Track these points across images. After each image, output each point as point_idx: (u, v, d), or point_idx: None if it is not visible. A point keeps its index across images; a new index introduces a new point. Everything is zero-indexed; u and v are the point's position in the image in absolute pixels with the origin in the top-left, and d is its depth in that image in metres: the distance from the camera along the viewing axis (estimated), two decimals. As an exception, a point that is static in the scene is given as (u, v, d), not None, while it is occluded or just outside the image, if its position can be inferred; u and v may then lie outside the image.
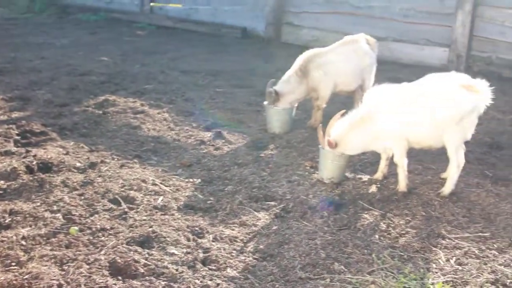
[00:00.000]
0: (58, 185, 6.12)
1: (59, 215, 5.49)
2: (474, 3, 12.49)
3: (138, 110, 8.90)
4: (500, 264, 5.07)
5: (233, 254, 5.07)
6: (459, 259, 5.14)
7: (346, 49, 8.43)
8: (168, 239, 5.19)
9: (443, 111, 6.07)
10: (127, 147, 7.47)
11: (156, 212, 5.76)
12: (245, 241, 5.33)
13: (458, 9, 12.64)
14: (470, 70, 12.20)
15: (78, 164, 6.72)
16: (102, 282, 4.51)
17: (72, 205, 5.69)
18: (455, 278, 4.85)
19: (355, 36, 8.63)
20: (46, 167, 6.55)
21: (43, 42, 14.76)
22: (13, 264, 4.67)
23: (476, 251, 5.27)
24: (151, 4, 18.54)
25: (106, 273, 4.65)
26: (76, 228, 5.28)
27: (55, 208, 5.62)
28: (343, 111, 6.58)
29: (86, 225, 5.36)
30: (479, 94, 6.11)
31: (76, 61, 12.35)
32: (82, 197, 5.90)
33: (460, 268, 4.99)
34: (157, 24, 18.10)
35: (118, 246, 5.02)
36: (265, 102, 8.31)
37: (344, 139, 6.41)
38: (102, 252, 4.92)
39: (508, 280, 4.81)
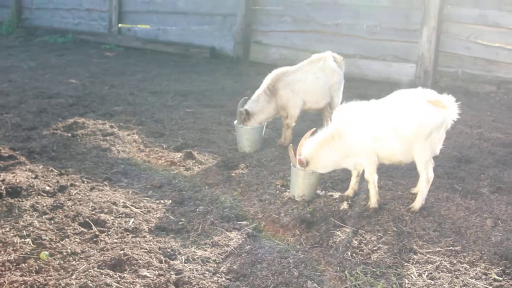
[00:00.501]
0: (27, 209, 6.05)
1: (28, 240, 5.42)
2: (439, 19, 12.70)
3: (107, 132, 8.86)
4: (471, 278, 5.11)
5: (205, 275, 5.04)
6: (431, 273, 5.18)
7: (314, 67, 8.49)
8: (140, 261, 5.15)
9: (411, 126, 6.13)
10: (97, 170, 7.42)
11: (127, 234, 5.71)
12: (217, 261, 5.31)
13: (424, 25, 12.83)
14: (437, 86, 12.39)
15: (47, 188, 6.65)
16: (73, 307, 4.46)
17: (42, 230, 5.63)
18: (427, 292, 4.89)
19: (322, 54, 8.69)
20: (15, 191, 6.47)
21: (10, 65, 14.66)
22: (-18, 291, 4.61)
23: (448, 265, 5.31)
24: (119, 25, 18.54)
25: (78, 298, 4.61)
26: (47, 253, 5.21)
27: (24, 233, 5.55)
28: (313, 129, 6.61)
29: (57, 250, 5.30)
30: (446, 109, 6.18)
31: (44, 83, 12.27)
32: (52, 221, 5.84)
33: (432, 282, 5.02)
34: (125, 45, 18.10)
35: (90, 270, 4.96)
36: (235, 122, 8.33)
37: (315, 157, 6.44)
38: (73, 277, 4.86)
39: (480, 293, 4.86)
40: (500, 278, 5.10)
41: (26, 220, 5.80)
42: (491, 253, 5.51)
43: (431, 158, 6.41)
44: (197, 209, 6.37)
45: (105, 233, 5.68)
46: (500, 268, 5.26)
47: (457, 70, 12.88)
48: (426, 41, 12.87)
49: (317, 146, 6.41)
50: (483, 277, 5.12)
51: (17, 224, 5.72)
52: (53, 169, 7.28)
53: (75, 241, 5.50)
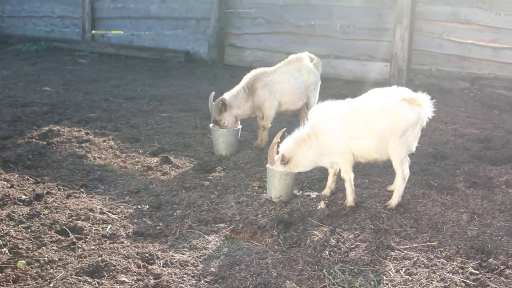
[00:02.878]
0: (3, 219, 5.99)
1: (5, 250, 5.37)
2: (412, 17, 12.82)
3: (83, 139, 8.80)
4: (448, 272, 5.15)
5: (184, 279, 5.03)
6: (408, 269, 5.21)
7: (291, 68, 8.51)
8: (118, 267, 5.13)
9: (386, 125, 6.17)
10: (73, 177, 7.37)
11: (105, 240, 5.69)
12: (196, 264, 5.30)
13: (397, 24, 12.94)
14: (411, 83, 12.49)
15: (23, 197, 6.60)
16: (51, 315, 4.43)
17: (19, 239, 5.58)
18: (405, 288, 4.92)
19: (299, 55, 8.72)
20: (-10, 201, 6.43)
21: (-18, 74, 14.54)
22: (-41, 302, 4.57)
23: (425, 261, 5.35)
24: (93, 31, 18.48)
25: (56, 306, 4.59)
26: (24, 261, 5.17)
27: (1, 242, 5.49)
28: (284, 129, 6.64)
29: (34, 258, 5.25)
30: (421, 107, 6.24)
31: (18, 92, 12.18)
32: (29, 230, 5.79)
33: (410, 278, 5.06)
34: (99, 51, 18.03)
35: (68, 278, 4.93)
36: (211, 125, 8.33)
37: (293, 157, 6.46)
38: (51, 285, 4.83)
39: (457, 287, 4.90)
40: (477, 272, 5.15)
41: (2, 230, 5.75)
42: (467, 247, 5.56)
43: (406, 155, 6.45)
44: (175, 213, 6.36)
45: (83, 240, 5.65)
46: (477, 262, 5.31)
47: (430, 68, 12.99)
48: (399, 40, 12.97)
49: (295, 145, 6.43)
50: (460, 271, 5.17)
51: (-7, 234, 5.68)
52: (29, 177, 7.22)
53: (53, 249, 5.46)
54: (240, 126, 8.49)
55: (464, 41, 12.66)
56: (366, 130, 6.25)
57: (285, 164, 6.50)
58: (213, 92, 8.27)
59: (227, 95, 8.26)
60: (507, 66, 12.18)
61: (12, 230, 5.75)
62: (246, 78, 8.42)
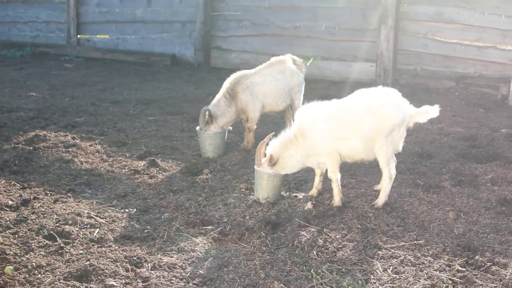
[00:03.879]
0: (-10, 225, 5.99)
1: (-8, 256, 5.37)
2: (396, 18, 12.88)
3: (69, 144, 8.77)
4: (435, 270, 5.18)
5: (172, 281, 5.04)
6: (396, 268, 5.24)
7: (273, 70, 8.53)
8: (106, 271, 5.13)
9: (371, 125, 6.21)
10: (60, 182, 7.35)
11: (93, 245, 5.68)
12: (184, 267, 5.31)
13: (381, 24, 12.99)
14: (397, 83, 12.55)
15: (10, 202, 6.57)
16: (40, 320, 4.43)
17: (6, 244, 5.57)
18: (393, 287, 4.94)
19: (282, 57, 8.75)
20: (-24, 207, 6.41)
21: (-33, 80, 14.47)
22: None
23: (412, 259, 5.38)
24: (78, 36, 18.42)
25: (44, 310, 4.58)
26: (11, 267, 5.15)
27: (-12, 249, 5.50)
28: (272, 133, 6.65)
29: (22, 264, 5.24)
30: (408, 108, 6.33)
31: (3, 98, 12.12)
32: (16, 236, 5.77)
33: (397, 276, 5.09)
34: (85, 56, 17.98)
35: (56, 283, 4.93)
36: (198, 128, 8.34)
37: (280, 158, 6.48)
38: (39, 290, 4.84)
39: (444, 285, 4.93)
40: (464, 269, 5.19)
41: (-11, 236, 5.74)
42: (454, 245, 5.60)
43: (393, 155, 6.49)
44: (162, 216, 6.37)
45: (70, 245, 5.64)
46: (463, 259, 5.36)
47: (416, 67, 13.06)
48: (384, 40, 13.03)
49: (281, 147, 6.45)
50: (447, 268, 5.21)
51: (-20, 240, 5.66)
52: (16, 183, 7.19)
53: (40, 254, 5.45)
54: (226, 128, 8.49)
55: (449, 40, 12.74)
56: (352, 130, 6.28)
57: (272, 166, 6.52)
58: (205, 107, 8.24)
59: (210, 107, 8.27)
60: (492, 65, 12.27)
61: (-1, 236, 5.74)
62: (227, 84, 8.43)
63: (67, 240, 5.73)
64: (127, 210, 6.55)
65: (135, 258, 5.42)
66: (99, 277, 5.06)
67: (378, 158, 6.41)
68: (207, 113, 8.13)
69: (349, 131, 6.29)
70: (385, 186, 6.49)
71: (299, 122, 6.48)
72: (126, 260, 5.37)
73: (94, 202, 6.75)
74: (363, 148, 6.35)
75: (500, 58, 12.20)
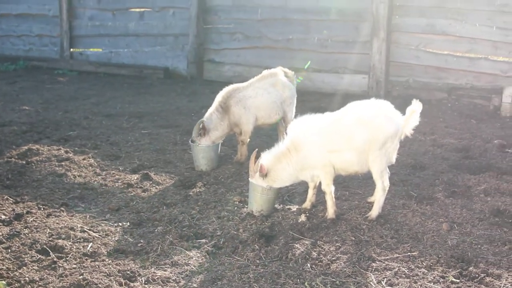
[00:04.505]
0: (-17, 240, 5.97)
1: (-15, 271, 5.35)
2: (388, 30, 12.93)
3: (62, 158, 8.76)
4: (429, 281, 5.19)
5: (166, 295, 5.04)
6: (390, 280, 5.25)
7: (265, 83, 8.55)
8: (99, 285, 5.11)
9: (364, 137, 6.22)
10: (53, 196, 7.33)
11: (86, 259, 5.66)
12: (178, 281, 5.30)
13: (373, 36, 13.05)
14: (389, 95, 12.59)
15: (3, 217, 6.55)
16: (33, 335, 4.41)
17: (-1, 259, 5.57)
18: (387, 299, 4.95)
19: (273, 70, 8.77)
20: (-31, 222, 6.39)
21: (-40, 95, 14.42)
22: None
23: (406, 271, 5.39)
24: (71, 49, 18.39)
25: (37, 326, 4.56)
26: (4, 282, 5.14)
27: (-20, 264, 5.48)
28: (256, 150, 6.64)
29: (15, 279, 5.22)
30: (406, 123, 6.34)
31: (-4, 112, 12.12)
32: (9, 250, 5.75)
33: (391, 289, 5.10)
34: (78, 69, 17.95)
35: (49, 297, 4.93)
36: (191, 140, 8.33)
37: (272, 171, 6.47)
38: (32, 305, 4.82)
39: (438, 297, 4.94)
40: (458, 280, 5.20)
41: (-18, 251, 5.72)
42: (448, 256, 5.61)
43: (386, 167, 6.50)
44: (156, 230, 6.35)
45: (63, 259, 5.63)
46: (457, 271, 5.37)
47: (408, 79, 13.11)
48: (376, 52, 13.08)
49: (274, 160, 6.45)
50: (441, 280, 5.22)
51: (-28, 256, 5.63)
52: (8, 197, 7.17)
53: (33, 268, 5.43)
54: (220, 141, 8.50)
55: (441, 52, 12.81)
56: (345, 143, 6.29)
57: (263, 177, 6.51)
58: (200, 120, 8.24)
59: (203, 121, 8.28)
60: (483, 76, 12.34)
61: (-8, 251, 5.71)
62: (219, 97, 8.44)
63: (60, 255, 5.71)
64: (120, 224, 6.53)
65: (128, 272, 5.40)
66: (92, 291, 5.04)
67: (371, 170, 6.43)
68: (201, 125, 8.13)
69: (343, 144, 6.30)
70: (378, 198, 6.50)
71: (292, 135, 6.48)
72: (120, 274, 5.35)
73: (87, 216, 6.73)
74: (357, 160, 6.36)
75: (492, 69, 12.28)
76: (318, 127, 6.43)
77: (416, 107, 6.34)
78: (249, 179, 6.68)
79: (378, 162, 6.35)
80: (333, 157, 6.36)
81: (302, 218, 6.59)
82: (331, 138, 6.33)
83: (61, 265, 5.51)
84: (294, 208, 6.91)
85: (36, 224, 6.40)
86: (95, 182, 7.91)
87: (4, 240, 5.97)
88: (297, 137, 6.42)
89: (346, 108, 6.57)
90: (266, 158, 6.51)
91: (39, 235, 6.07)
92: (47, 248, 5.80)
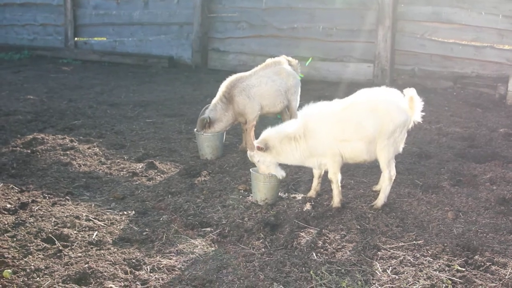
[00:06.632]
0: (-12, 228, 5.97)
1: (-10, 259, 5.36)
2: (394, 18, 12.88)
3: (67, 147, 8.76)
4: (435, 270, 5.18)
5: (171, 284, 5.03)
6: (395, 268, 5.24)
7: (268, 72, 8.52)
8: (105, 274, 5.11)
9: (376, 126, 6.18)
10: (58, 185, 7.34)
11: (91, 247, 5.67)
12: (183, 269, 5.30)
13: (379, 25, 13.00)
14: (395, 83, 12.53)
15: (8, 206, 6.56)
16: (39, 323, 4.41)
17: (4, 248, 5.55)
18: (392, 287, 4.93)
19: (277, 59, 8.74)
20: (-26, 211, 6.39)
21: (-35, 84, 14.43)
22: None
23: (411, 259, 5.38)
24: (76, 39, 18.41)
25: (43, 314, 4.57)
26: (10, 271, 5.15)
27: (-14, 252, 5.49)
28: (253, 124, 6.63)
29: (20, 267, 5.23)
30: (412, 110, 6.29)
31: (1, 101, 12.09)
32: (15, 239, 5.75)
33: (396, 277, 5.08)
34: (82, 58, 17.96)
35: (54, 286, 4.92)
36: (196, 130, 8.32)
37: (279, 150, 6.42)
38: (38, 293, 4.83)
39: (444, 285, 4.93)
40: (463, 269, 5.19)
41: (-12, 239, 5.73)
42: (453, 244, 5.60)
43: (393, 156, 6.47)
44: (161, 219, 6.35)
45: (69, 248, 5.63)
46: (463, 259, 5.35)
47: (413, 68, 13.07)
48: (382, 40, 13.03)
49: (284, 139, 6.40)
50: (446, 268, 5.21)
51: (-22, 244, 5.64)
52: (14, 186, 7.18)
53: (39, 257, 5.44)
54: (224, 130, 8.49)
55: (446, 40, 12.76)
56: (356, 131, 6.23)
57: (264, 151, 6.46)
58: (203, 116, 8.21)
59: (207, 112, 8.26)
60: (489, 65, 12.29)
61: (-3, 240, 5.72)
62: (222, 87, 8.41)
63: (65, 243, 5.72)
64: (125, 213, 6.53)
65: (134, 260, 5.40)
66: (98, 280, 5.04)
67: (379, 159, 6.40)
68: (207, 119, 8.11)
69: (353, 132, 6.25)
70: (384, 187, 6.48)
71: (303, 122, 6.41)
72: (125, 263, 5.36)
73: (93, 205, 6.73)
74: (366, 149, 6.33)
75: (498, 58, 12.23)
76: (328, 115, 6.36)
77: (410, 92, 6.29)
78: (251, 169, 6.65)
79: (386, 151, 6.32)
80: (343, 146, 6.33)
81: (307, 206, 6.58)
82: (341, 126, 6.28)
83: (66, 253, 5.52)
84: (299, 196, 6.90)
85: (41, 213, 6.40)
86: (100, 171, 7.91)
87: (9, 229, 5.98)
88: (307, 125, 6.35)
89: (355, 95, 6.49)
90: (268, 132, 6.50)
91: (45, 224, 6.07)
92: (53, 237, 5.80)
